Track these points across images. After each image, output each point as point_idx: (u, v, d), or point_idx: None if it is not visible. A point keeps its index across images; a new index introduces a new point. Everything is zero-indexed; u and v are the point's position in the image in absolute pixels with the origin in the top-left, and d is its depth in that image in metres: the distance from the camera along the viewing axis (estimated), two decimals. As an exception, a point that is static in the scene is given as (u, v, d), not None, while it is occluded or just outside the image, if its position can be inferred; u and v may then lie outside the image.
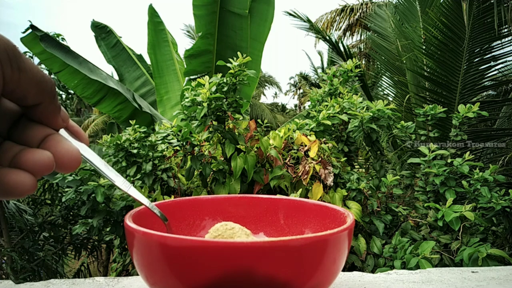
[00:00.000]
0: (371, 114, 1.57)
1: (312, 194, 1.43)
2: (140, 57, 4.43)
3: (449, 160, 1.49)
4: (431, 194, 1.52)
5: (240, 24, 3.25)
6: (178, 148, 1.58)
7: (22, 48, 3.25)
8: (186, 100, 1.55)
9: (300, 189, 1.42)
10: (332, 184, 1.45)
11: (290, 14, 4.09)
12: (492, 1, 2.44)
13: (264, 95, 22.26)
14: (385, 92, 4.25)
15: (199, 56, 3.30)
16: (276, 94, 27.83)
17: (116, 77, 4.22)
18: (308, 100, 2.26)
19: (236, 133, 1.57)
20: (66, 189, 1.59)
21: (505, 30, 2.63)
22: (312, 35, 5.05)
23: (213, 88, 1.50)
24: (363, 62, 8.64)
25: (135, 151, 1.57)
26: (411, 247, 1.24)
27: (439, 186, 1.45)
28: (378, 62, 4.76)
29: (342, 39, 9.14)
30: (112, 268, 1.85)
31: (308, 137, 1.58)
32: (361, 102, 1.68)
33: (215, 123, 1.56)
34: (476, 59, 2.73)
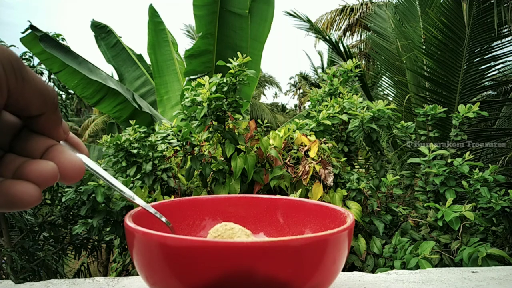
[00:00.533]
0: (372, 114, 1.57)
1: (312, 194, 1.43)
2: (140, 57, 4.43)
3: (449, 160, 1.49)
4: (431, 194, 1.52)
5: (240, 24, 3.25)
6: (178, 148, 1.58)
7: (22, 48, 3.26)
8: (186, 100, 1.55)
9: (300, 189, 1.42)
10: (332, 184, 1.45)
11: (290, 14, 4.09)
12: (492, 1, 2.44)
13: (264, 95, 22.27)
14: (385, 92, 4.25)
15: (199, 56, 3.30)
16: (276, 94, 27.84)
17: (116, 77, 4.22)
18: (308, 100, 2.26)
19: (236, 133, 1.57)
20: (66, 189, 1.59)
21: (505, 30, 2.63)
22: (312, 35, 5.05)
23: (213, 88, 1.50)
24: (363, 62, 8.64)
25: (135, 151, 1.57)
26: (411, 247, 1.24)
27: (439, 186, 1.45)
28: (378, 62, 4.76)
29: (342, 39, 9.14)
30: (112, 268, 1.85)
31: (308, 137, 1.58)
32: (361, 102, 1.68)
33: (215, 123, 1.56)
34: (476, 59, 2.73)
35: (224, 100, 1.54)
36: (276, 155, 1.50)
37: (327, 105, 1.79)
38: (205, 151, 1.62)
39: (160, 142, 1.60)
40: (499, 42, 2.67)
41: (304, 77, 17.76)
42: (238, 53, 1.55)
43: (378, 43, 3.90)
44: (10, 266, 2.00)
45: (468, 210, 1.26)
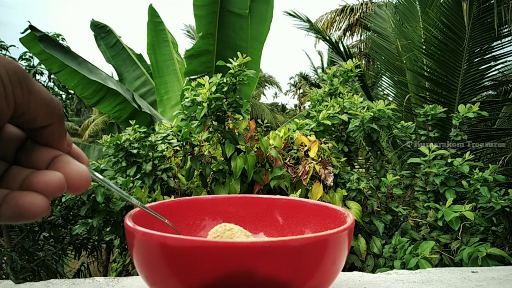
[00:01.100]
0: (372, 114, 1.57)
1: (312, 194, 1.43)
2: (140, 56, 4.43)
3: (449, 160, 1.49)
4: (431, 194, 1.52)
5: (240, 24, 3.25)
6: (178, 148, 1.58)
7: (21, 48, 3.25)
8: (186, 100, 1.55)
9: (300, 189, 1.42)
10: (332, 184, 1.45)
11: (290, 14, 4.09)
12: (492, 1, 2.44)
13: (264, 95, 22.27)
14: (385, 92, 4.25)
15: (199, 56, 3.30)
16: (276, 94, 27.84)
17: (116, 76, 4.22)
18: (308, 100, 2.25)
19: (236, 133, 1.57)
20: (66, 189, 1.59)
21: (505, 30, 2.63)
22: (312, 35, 5.05)
23: (213, 88, 1.50)
24: (363, 62, 8.65)
25: (135, 151, 1.57)
26: (411, 247, 1.24)
27: (439, 186, 1.45)
28: (378, 62, 4.76)
29: (342, 39, 9.15)
30: (112, 268, 1.85)
31: (308, 137, 1.58)
32: (362, 102, 1.68)
33: (215, 123, 1.56)
34: (476, 59, 2.73)
35: (224, 100, 1.54)
36: (276, 155, 1.50)
37: (327, 105, 1.79)
38: (205, 151, 1.62)
39: (160, 142, 1.60)
40: (499, 42, 2.67)
41: (304, 77, 17.76)
42: (238, 53, 1.55)
43: (378, 43, 3.90)
44: (10, 266, 2.00)
45: (468, 210, 1.26)
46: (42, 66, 3.48)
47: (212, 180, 1.61)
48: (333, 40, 3.82)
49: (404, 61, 3.39)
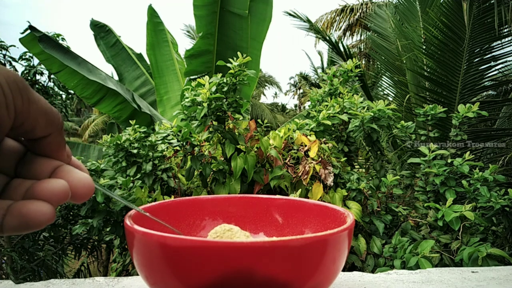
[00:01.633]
0: (372, 114, 1.57)
1: (312, 194, 1.43)
2: (139, 56, 4.43)
3: (449, 160, 1.49)
4: (431, 194, 1.52)
5: (240, 24, 3.25)
6: (178, 148, 1.58)
7: (21, 48, 3.25)
8: (186, 100, 1.55)
9: (300, 189, 1.42)
10: (332, 184, 1.45)
11: (290, 14, 4.09)
12: (492, 1, 2.44)
13: (264, 95, 22.28)
14: (385, 92, 4.25)
15: (200, 56, 3.31)
16: (276, 94, 27.85)
17: (115, 76, 4.22)
18: (308, 100, 2.26)
19: (236, 133, 1.57)
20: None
21: (505, 30, 2.63)
22: (312, 35, 5.05)
23: (213, 88, 1.50)
24: (363, 62, 8.65)
25: (135, 151, 1.57)
26: (411, 246, 1.24)
27: (439, 186, 1.45)
28: (378, 62, 4.76)
29: (342, 39, 9.15)
30: (112, 268, 1.85)
31: (308, 137, 1.58)
32: (362, 102, 1.68)
33: (215, 123, 1.56)
34: (476, 59, 2.73)
35: (224, 100, 1.54)
36: (276, 155, 1.50)
37: (327, 105, 1.79)
38: (205, 151, 1.62)
39: (160, 142, 1.60)
40: (499, 42, 2.67)
41: (304, 77, 17.76)
42: (238, 53, 1.55)
43: (378, 43, 3.90)
44: (10, 266, 2.00)
45: (468, 210, 1.26)
46: (42, 66, 3.48)
47: (212, 180, 1.61)
48: (333, 40, 3.82)
49: (404, 61, 3.39)
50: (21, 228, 0.19)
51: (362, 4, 8.70)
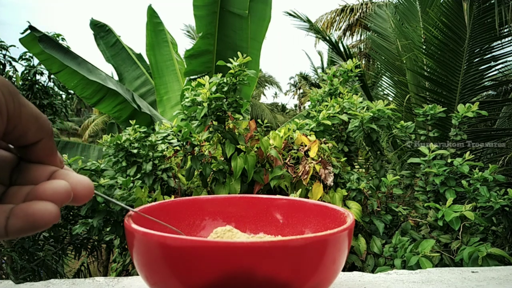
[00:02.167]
0: (371, 114, 1.57)
1: (312, 194, 1.43)
2: (139, 56, 4.43)
3: (449, 160, 1.49)
4: (431, 194, 1.52)
5: (240, 24, 3.25)
6: (178, 148, 1.58)
7: (21, 49, 3.26)
8: (186, 100, 1.55)
9: (300, 189, 1.42)
10: (332, 184, 1.45)
11: (290, 14, 4.09)
12: (492, 1, 2.44)
13: (264, 95, 22.28)
14: (385, 92, 4.24)
15: (199, 56, 3.31)
16: (276, 94, 27.85)
17: (115, 76, 4.22)
18: (308, 100, 2.26)
19: (236, 133, 1.57)
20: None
21: (506, 30, 2.63)
22: (312, 35, 5.05)
23: (213, 88, 1.50)
24: (363, 62, 8.65)
25: (135, 151, 1.57)
26: (411, 246, 1.24)
27: (439, 186, 1.45)
28: (378, 62, 4.76)
29: (342, 39, 9.15)
30: (112, 268, 1.85)
31: (308, 137, 1.58)
32: (361, 102, 1.68)
33: (215, 123, 1.56)
34: (476, 59, 2.73)
35: (224, 100, 1.54)
36: (276, 155, 1.50)
37: (327, 105, 1.79)
38: (205, 151, 1.62)
39: (160, 142, 1.60)
40: (499, 42, 2.67)
41: (304, 77, 17.76)
42: (238, 53, 1.55)
43: (378, 43, 3.90)
44: (10, 266, 2.00)
45: (468, 209, 1.26)
46: (42, 66, 3.48)
47: (212, 180, 1.61)
48: (333, 40, 3.82)
49: (404, 61, 3.39)
50: (27, 229, 0.19)
51: (362, 4, 8.70)
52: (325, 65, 13.33)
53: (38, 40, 3.05)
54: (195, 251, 0.34)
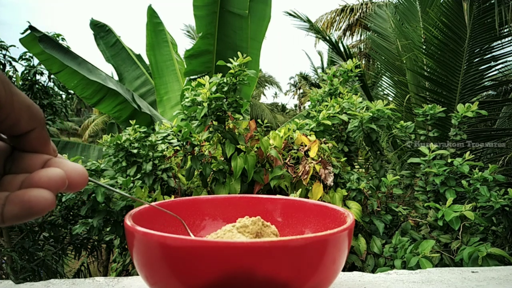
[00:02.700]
0: (371, 114, 1.57)
1: (312, 194, 1.43)
2: (139, 56, 4.42)
3: (449, 160, 1.49)
4: (431, 194, 1.52)
5: (240, 24, 3.25)
6: (178, 148, 1.58)
7: (21, 49, 3.25)
8: (186, 100, 1.55)
9: (300, 189, 1.42)
10: (332, 184, 1.45)
11: (290, 14, 4.09)
12: (492, 1, 2.44)
13: (264, 95, 22.28)
14: (385, 92, 4.24)
15: (199, 56, 3.31)
16: (276, 94, 27.86)
17: (115, 76, 4.22)
18: (308, 100, 2.26)
19: (236, 133, 1.57)
20: (66, 189, 1.59)
21: (506, 30, 2.63)
22: (312, 35, 5.05)
23: (213, 88, 1.50)
24: (363, 62, 8.65)
25: (135, 151, 1.57)
26: (411, 246, 1.24)
27: (439, 185, 1.45)
28: (378, 62, 4.76)
29: (342, 39, 9.15)
30: (112, 268, 1.86)
31: (308, 137, 1.58)
32: (361, 102, 1.68)
33: (215, 123, 1.56)
34: (476, 59, 2.73)
35: (224, 100, 1.54)
36: (276, 155, 1.50)
37: (327, 105, 1.79)
38: (205, 151, 1.62)
39: (160, 142, 1.60)
40: (499, 42, 2.67)
41: (304, 77, 17.76)
42: (238, 53, 1.55)
43: (378, 43, 3.90)
44: (10, 266, 2.00)
45: (468, 209, 1.26)
46: (42, 66, 3.47)
47: (212, 180, 1.61)
48: (333, 40, 3.82)
49: (404, 61, 3.39)
50: (23, 216, 0.19)
51: (362, 4, 8.70)
52: (325, 65, 13.33)
53: (38, 40, 3.04)
54: (195, 251, 0.34)
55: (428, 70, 3.11)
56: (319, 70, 14.73)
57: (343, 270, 0.63)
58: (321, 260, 0.38)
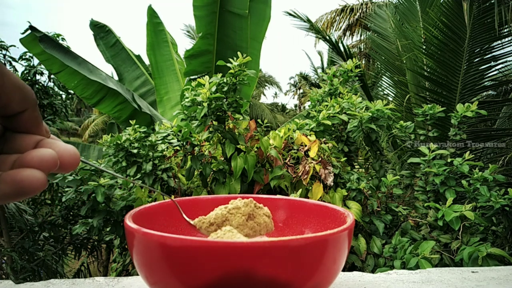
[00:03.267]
0: (370, 114, 1.57)
1: (312, 194, 1.43)
2: (138, 57, 4.43)
3: (449, 160, 1.49)
4: (431, 193, 1.52)
5: (240, 24, 3.25)
6: (178, 148, 1.58)
7: (21, 48, 3.25)
8: (186, 100, 1.55)
9: (300, 189, 1.42)
10: (332, 184, 1.45)
11: (290, 14, 4.09)
12: (492, 1, 2.44)
13: (264, 95, 22.27)
14: (385, 92, 4.24)
15: (199, 56, 3.30)
16: (276, 94, 27.85)
17: (115, 76, 4.22)
18: (308, 100, 2.26)
19: (236, 133, 1.57)
20: (66, 189, 1.59)
21: (506, 30, 2.63)
22: (312, 35, 5.05)
23: (213, 88, 1.50)
24: (363, 62, 8.65)
25: (135, 151, 1.57)
26: (411, 247, 1.24)
27: (439, 185, 1.45)
28: (378, 62, 4.76)
29: (342, 39, 9.15)
30: (112, 268, 1.86)
31: (308, 137, 1.58)
32: (361, 102, 1.68)
33: (215, 123, 1.56)
34: (476, 59, 2.73)
35: (224, 100, 1.54)
36: (276, 155, 1.50)
37: (327, 105, 1.79)
38: (205, 151, 1.62)
39: (160, 142, 1.60)
40: (499, 42, 2.67)
41: (304, 77, 17.75)
42: (238, 53, 1.55)
43: (378, 43, 3.90)
44: (10, 266, 2.01)
45: (468, 209, 1.26)
46: (42, 66, 3.47)
47: (212, 180, 1.61)
48: (333, 40, 3.82)
49: (404, 61, 3.39)
50: (15, 195, 0.20)
51: (362, 4, 8.70)
52: (325, 65, 13.33)
53: (39, 40, 3.04)
54: (195, 251, 0.34)
55: (428, 70, 3.11)
56: (319, 70, 14.73)
57: (343, 270, 0.63)
58: (321, 260, 0.38)
